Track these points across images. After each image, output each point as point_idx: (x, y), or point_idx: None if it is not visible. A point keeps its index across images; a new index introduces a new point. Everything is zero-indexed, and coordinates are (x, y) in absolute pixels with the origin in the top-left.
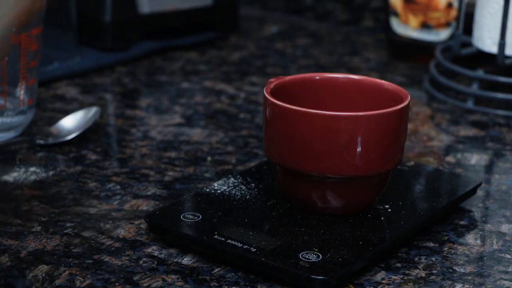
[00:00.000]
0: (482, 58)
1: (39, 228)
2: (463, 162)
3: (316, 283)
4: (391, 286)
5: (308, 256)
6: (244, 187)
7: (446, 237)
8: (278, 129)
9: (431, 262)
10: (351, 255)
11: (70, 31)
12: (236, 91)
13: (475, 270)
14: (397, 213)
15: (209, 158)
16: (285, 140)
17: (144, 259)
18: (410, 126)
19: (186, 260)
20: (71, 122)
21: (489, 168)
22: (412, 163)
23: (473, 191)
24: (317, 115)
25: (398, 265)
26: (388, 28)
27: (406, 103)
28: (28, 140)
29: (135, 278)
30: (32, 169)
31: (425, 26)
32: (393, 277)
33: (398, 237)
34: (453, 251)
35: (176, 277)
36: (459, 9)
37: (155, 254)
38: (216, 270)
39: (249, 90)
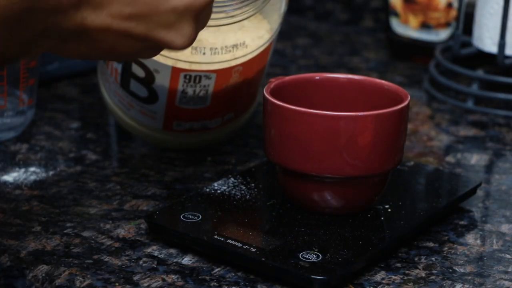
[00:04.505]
0: (482, 58)
1: (39, 228)
2: (463, 162)
3: (316, 283)
4: (391, 286)
5: (308, 256)
6: (244, 187)
7: (446, 237)
8: (278, 129)
9: (431, 262)
10: (351, 255)
11: None
12: None
13: (475, 270)
14: (397, 213)
15: (209, 158)
16: (285, 140)
17: (144, 259)
18: (410, 126)
19: (186, 260)
20: None
21: (489, 168)
22: (412, 163)
23: (473, 191)
24: (317, 115)
25: (398, 265)
26: (388, 28)
27: (406, 103)
28: None
29: (135, 278)
30: (32, 169)
31: (425, 26)
32: (393, 277)
33: (398, 237)
34: (453, 251)
35: (176, 277)
36: (459, 9)
37: (155, 254)
38: (216, 270)
39: None
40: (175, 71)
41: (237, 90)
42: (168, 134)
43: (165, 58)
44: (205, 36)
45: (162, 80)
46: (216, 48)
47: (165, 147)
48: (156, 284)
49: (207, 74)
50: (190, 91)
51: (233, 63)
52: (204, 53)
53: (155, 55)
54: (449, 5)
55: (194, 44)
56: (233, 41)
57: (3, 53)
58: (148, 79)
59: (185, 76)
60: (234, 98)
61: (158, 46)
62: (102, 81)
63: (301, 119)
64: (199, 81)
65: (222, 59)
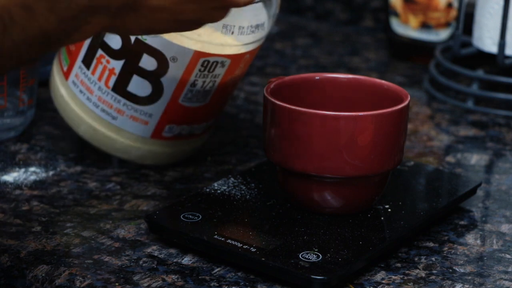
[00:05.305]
0: (482, 58)
1: (39, 228)
2: (463, 162)
3: (316, 283)
4: (391, 286)
5: (308, 256)
6: (244, 187)
7: (446, 237)
8: (278, 129)
9: (431, 262)
10: (351, 255)
11: None
12: (237, 91)
13: (475, 270)
14: (397, 213)
15: (209, 158)
16: (285, 140)
17: (144, 259)
18: (410, 126)
19: (186, 260)
20: None
21: (489, 168)
22: (412, 163)
23: (473, 191)
24: (317, 115)
25: (398, 265)
26: (388, 28)
27: (406, 103)
28: None
29: (135, 278)
30: (32, 169)
31: (425, 26)
32: (393, 277)
33: (398, 237)
34: (453, 251)
35: (176, 277)
36: (459, 9)
37: (155, 254)
38: (216, 270)
39: (249, 90)
40: (195, 56)
41: (228, 88)
42: (154, 143)
43: (189, 41)
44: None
45: (175, 70)
46: (243, 27)
47: (142, 161)
48: (156, 284)
49: (223, 60)
50: (199, 82)
51: (250, 47)
52: (232, 32)
53: (223, 16)
54: (449, 5)
55: (224, 22)
56: (256, 21)
57: (47, 32)
58: (159, 71)
59: (202, 63)
60: (222, 98)
61: (222, 4)
62: (70, 96)
63: (301, 119)
64: (213, 69)
65: (245, 41)
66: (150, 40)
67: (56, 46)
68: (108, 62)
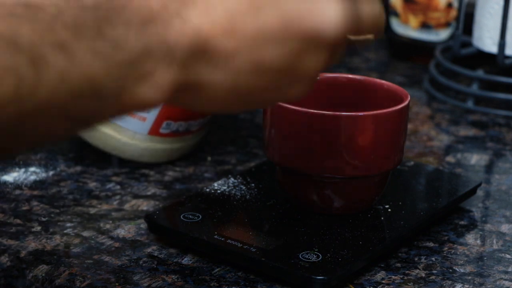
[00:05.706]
0: (482, 58)
1: (39, 228)
2: (463, 162)
3: (316, 283)
4: (391, 286)
5: (308, 256)
6: (244, 187)
7: (446, 237)
8: (278, 129)
9: (431, 262)
10: (351, 255)
11: None
12: None
13: (475, 270)
14: (397, 213)
15: (209, 158)
16: (285, 140)
17: (144, 259)
18: (410, 126)
19: (186, 260)
20: None
21: (489, 168)
22: (412, 163)
23: (473, 191)
24: (317, 115)
25: (398, 265)
26: (388, 28)
27: (406, 103)
28: None
29: (135, 278)
30: (32, 169)
31: (425, 26)
32: (393, 277)
33: (398, 237)
34: (453, 251)
35: (176, 277)
36: (459, 9)
37: (155, 254)
38: (216, 270)
39: None
40: None
41: None
42: (151, 139)
43: None
44: None
45: None
46: None
47: (139, 158)
48: (156, 284)
49: None
50: None
51: None
52: None
53: (330, 63)
54: (449, 5)
55: None
56: None
57: (95, 80)
58: None
59: None
60: None
61: (328, 44)
62: None
63: (301, 119)
64: None
65: None
66: None
67: (113, 101)
68: None
